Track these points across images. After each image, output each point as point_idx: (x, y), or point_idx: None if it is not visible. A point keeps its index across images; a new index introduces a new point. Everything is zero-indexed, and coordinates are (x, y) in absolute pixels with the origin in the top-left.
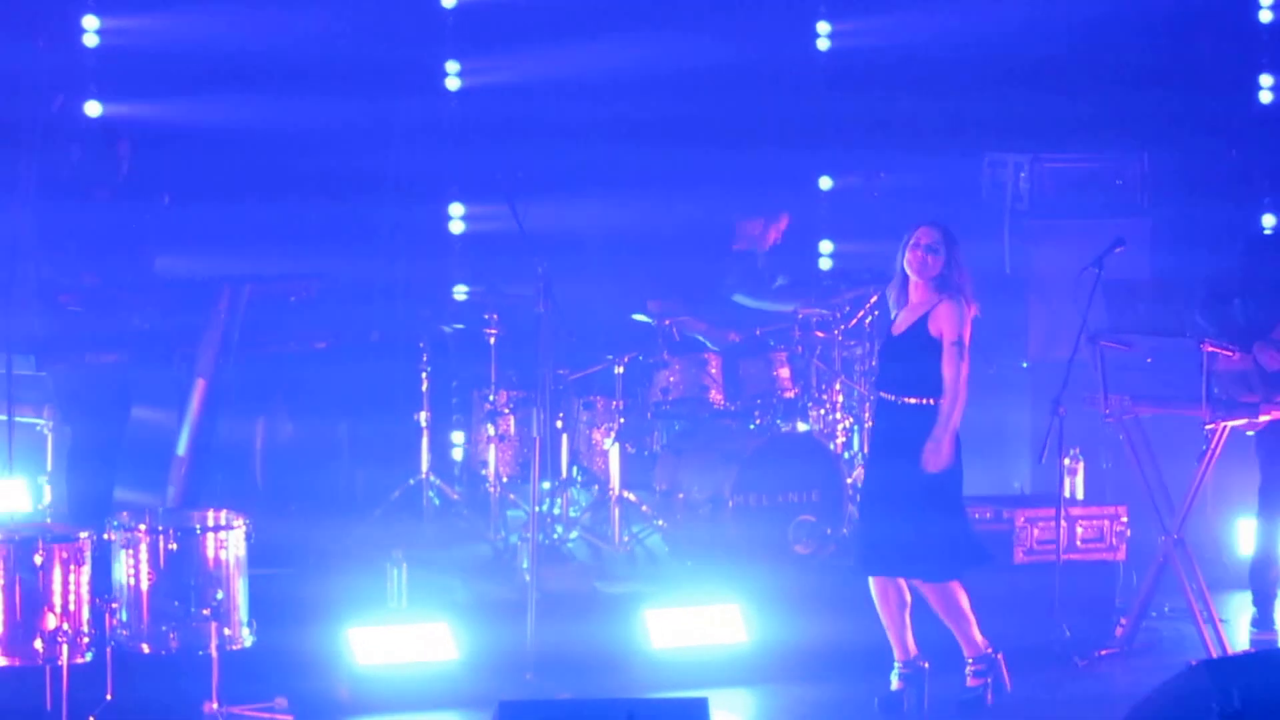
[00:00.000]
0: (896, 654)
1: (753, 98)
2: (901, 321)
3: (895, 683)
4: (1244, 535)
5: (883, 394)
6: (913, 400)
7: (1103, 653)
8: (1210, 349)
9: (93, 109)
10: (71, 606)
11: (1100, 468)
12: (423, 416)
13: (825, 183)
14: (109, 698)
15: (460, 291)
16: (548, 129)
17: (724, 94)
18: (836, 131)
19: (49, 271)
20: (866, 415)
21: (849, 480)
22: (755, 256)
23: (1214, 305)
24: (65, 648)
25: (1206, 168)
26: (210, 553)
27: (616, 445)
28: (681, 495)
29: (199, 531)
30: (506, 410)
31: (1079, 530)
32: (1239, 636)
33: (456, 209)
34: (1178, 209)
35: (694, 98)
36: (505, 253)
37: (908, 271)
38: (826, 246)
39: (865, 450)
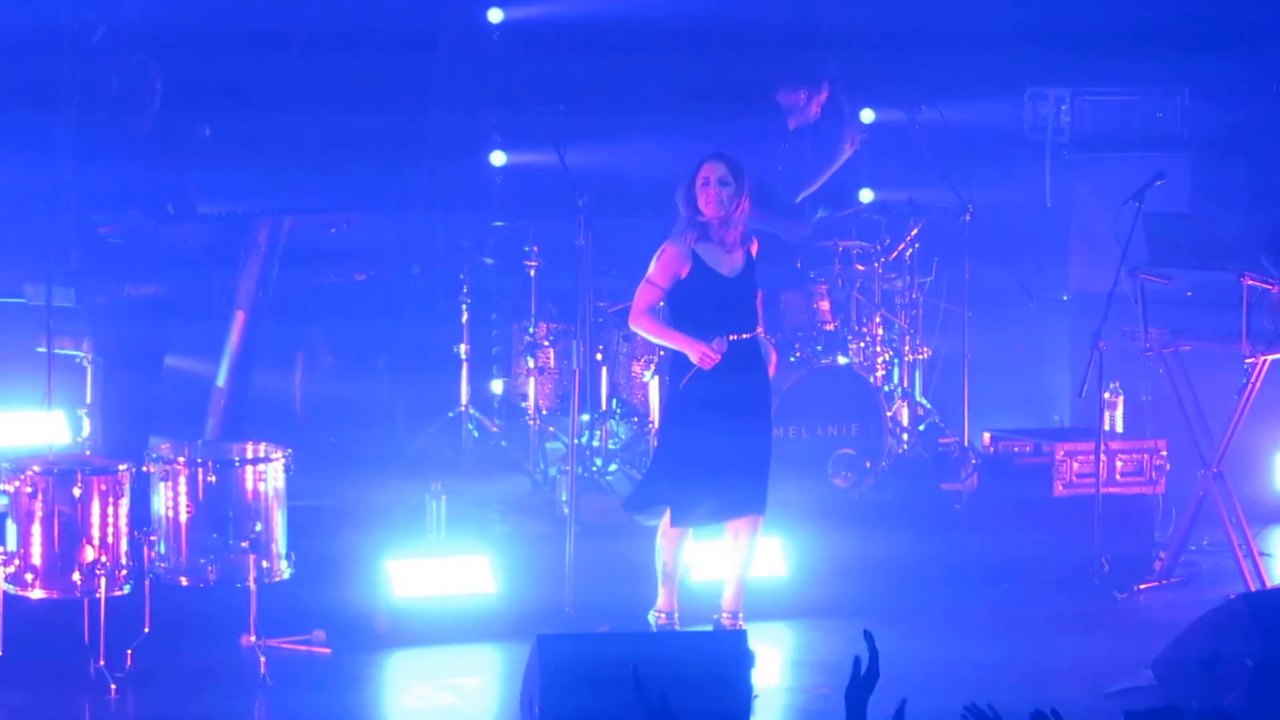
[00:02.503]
0: (673, 603)
1: (789, 31)
2: (728, 264)
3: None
4: None
5: (733, 336)
6: (754, 335)
7: (1142, 586)
8: (1250, 281)
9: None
10: (110, 539)
11: (1140, 401)
12: (462, 349)
13: (867, 115)
14: (147, 630)
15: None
16: (590, 60)
17: (758, 24)
18: (877, 64)
19: (90, 205)
20: (906, 349)
21: (889, 413)
22: (800, 134)
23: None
24: (103, 580)
25: (1247, 101)
26: (249, 485)
27: (656, 378)
28: None
29: (238, 464)
30: (546, 343)
31: (1119, 463)
32: (1278, 570)
33: (498, 157)
34: (1218, 143)
35: (730, 29)
36: (546, 187)
37: (703, 211)
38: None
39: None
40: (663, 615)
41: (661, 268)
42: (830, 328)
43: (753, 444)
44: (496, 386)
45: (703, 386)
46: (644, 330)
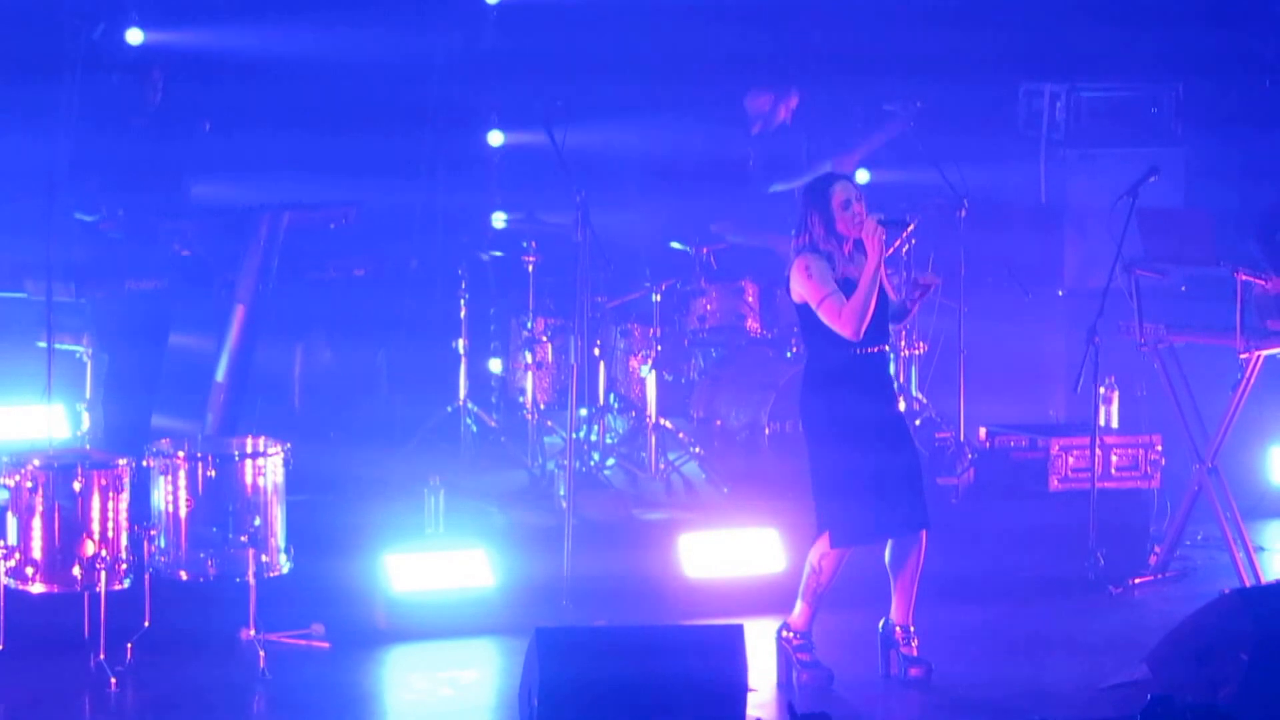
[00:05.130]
0: (811, 625)
1: (790, 29)
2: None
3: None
4: (1277, 463)
5: (885, 348)
6: (884, 349)
7: (1137, 581)
8: (1244, 276)
9: (134, 36)
10: (110, 533)
11: (1135, 396)
12: (460, 344)
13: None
14: (146, 624)
15: (499, 219)
16: (586, 53)
17: (760, 22)
18: (873, 62)
19: (84, 199)
20: (903, 344)
21: None
22: (772, 138)
23: (1268, 234)
24: (103, 574)
25: (1241, 97)
26: (248, 479)
27: (653, 372)
28: (718, 422)
29: (237, 458)
30: (544, 338)
31: (1114, 458)
32: (1272, 565)
33: (496, 137)
34: (1212, 138)
35: (729, 24)
36: (544, 180)
37: (845, 234)
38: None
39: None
40: (798, 637)
41: (820, 276)
42: None
43: (911, 460)
44: (495, 365)
45: (850, 410)
46: (857, 317)
